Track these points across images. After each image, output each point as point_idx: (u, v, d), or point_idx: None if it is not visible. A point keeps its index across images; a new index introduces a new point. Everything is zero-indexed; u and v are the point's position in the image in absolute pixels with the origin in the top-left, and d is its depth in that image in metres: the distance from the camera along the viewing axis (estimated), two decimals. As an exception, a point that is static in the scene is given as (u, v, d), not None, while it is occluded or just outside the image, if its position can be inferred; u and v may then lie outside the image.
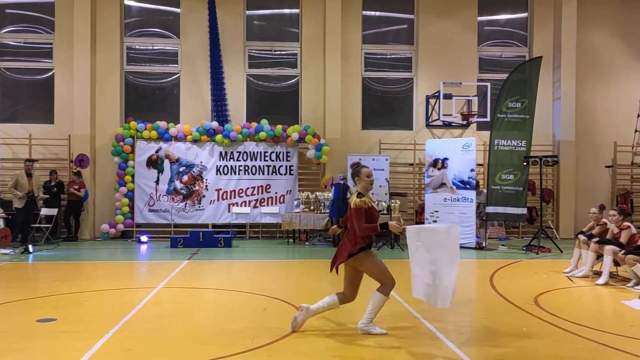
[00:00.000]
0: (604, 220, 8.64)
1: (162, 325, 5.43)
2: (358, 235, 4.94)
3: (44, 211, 12.71)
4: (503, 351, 4.67)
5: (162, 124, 13.87)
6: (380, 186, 13.55)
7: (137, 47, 14.88)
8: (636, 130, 15.23)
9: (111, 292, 7.06)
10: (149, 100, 14.92)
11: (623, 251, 7.59)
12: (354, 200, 5.01)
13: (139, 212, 13.81)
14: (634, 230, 8.04)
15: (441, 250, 4.66)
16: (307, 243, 13.10)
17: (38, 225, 12.56)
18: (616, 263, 7.89)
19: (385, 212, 12.39)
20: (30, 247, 11.09)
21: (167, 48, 14.92)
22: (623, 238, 7.96)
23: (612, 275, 8.02)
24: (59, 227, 13.50)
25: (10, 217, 12.31)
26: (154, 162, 13.90)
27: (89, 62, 13.96)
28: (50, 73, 14.49)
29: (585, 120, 15.16)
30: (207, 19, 14.27)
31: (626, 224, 8.12)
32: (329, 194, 12.91)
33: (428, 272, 4.69)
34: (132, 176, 13.83)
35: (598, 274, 8.07)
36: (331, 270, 5.22)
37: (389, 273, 5.14)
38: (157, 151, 13.90)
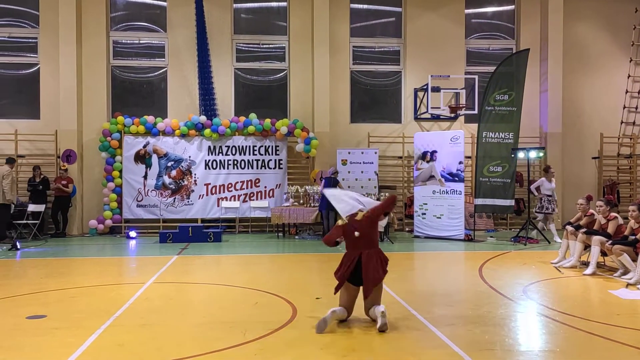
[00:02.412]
0: (591, 211, 8.73)
1: (153, 320, 5.42)
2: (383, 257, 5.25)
3: (31, 207, 12.60)
4: (492, 340, 4.72)
5: (149, 118, 13.78)
6: (369, 179, 13.60)
7: (123, 41, 14.74)
8: (622, 122, 15.39)
9: (101, 288, 7.02)
10: (136, 95, 14.81)
11: (610, 241, 7.68)
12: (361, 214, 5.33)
13: (127, 207, 13.73)
14: (620, 221, 8.14)
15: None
16: (296, 237, 13.11)
17: (25, 222, 12.46)
18: (603, 253, 7.99)
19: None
20: (18, 244, 10.99)
21: (153, 42, 14.80)
22: (610, 228, 8.05)
23: (599, 266, 8.11)
24: (46, 223, 13.39)
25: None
26: (142, 157, 13.81)
27: (74, 56, 13.81)
28: (36, 68, 14.32)
29: (572, 112, 15.29)
30: (194, 12, 14.17)
31: (613, 214, 8.22)
32: (319, 188, 12.92)
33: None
34: (120, 171, 13.73)
35: (586, 264, 8.17)
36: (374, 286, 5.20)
37: None
38: (144, 146, 13.81)
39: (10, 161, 12.56)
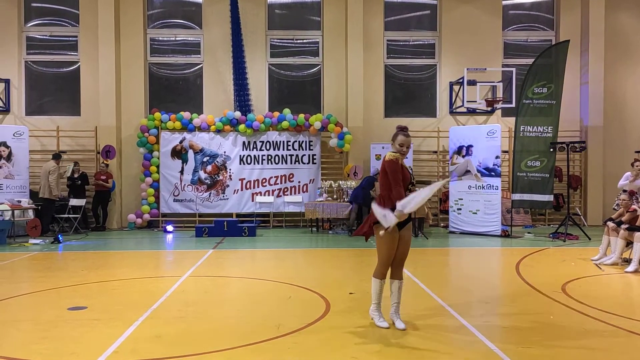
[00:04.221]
0: (634, 206, 8.47)
1: (189, 313, 5.51)
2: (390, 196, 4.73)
3: (73, 202, 12.95)
4: (530, 338, 4.63)
5: (185, 114, 13.99)
6: (403, 174, 13.50)
7: (160, 38, 14.99)
8: (667, 115, 14.87)
9: (139, 281, 7.18)
10: (173, 91, 15.05)
11: (653, 238, 7.44)
12: (388, 154, 4.98)
13: (164, 202, 13.99)
14: (664, 217, 7.88)
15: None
16: (330, 232, 13.12)
17: (67, 216, 12.82)
18: (646, 250, 7.75)
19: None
20: (60, 237, 11.33)
21: (189, 39, 15.01)
22: (653, 225, 7.81)
23: (642, 263, 7.87)
24: (87, 217, 13.75)
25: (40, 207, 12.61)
26: (178, 153, 14.05)
27: (113, 54, 14.12)
28: (76, 65, 14.70)
29: (614, 105, 14.84)
30: (228, 9, 14.31)
31: (657, 210, 7.96)
32: (352, 183, 12.93)
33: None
34: (157, 166, 14.01)
35: (627, 261, 7.94)
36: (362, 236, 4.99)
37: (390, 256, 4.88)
38: (181, 141, 14.04)
39: (57, 157, 12.91)
